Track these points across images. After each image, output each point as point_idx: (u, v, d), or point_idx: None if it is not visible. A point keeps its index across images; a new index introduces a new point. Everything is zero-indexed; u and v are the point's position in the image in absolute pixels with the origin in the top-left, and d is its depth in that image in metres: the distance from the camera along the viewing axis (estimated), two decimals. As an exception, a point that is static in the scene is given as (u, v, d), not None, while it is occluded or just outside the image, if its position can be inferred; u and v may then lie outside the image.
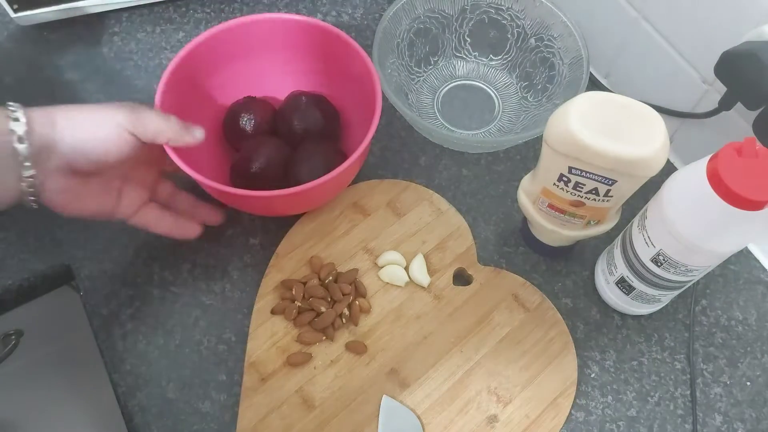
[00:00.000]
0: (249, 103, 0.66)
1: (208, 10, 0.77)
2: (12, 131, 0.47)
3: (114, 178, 0.55)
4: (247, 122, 0.65)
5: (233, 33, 0.63)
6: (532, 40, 0.70)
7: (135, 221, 0.57)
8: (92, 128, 0.50)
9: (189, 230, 0.60)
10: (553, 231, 0.59)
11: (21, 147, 0.47)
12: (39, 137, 0.48)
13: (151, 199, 0.59)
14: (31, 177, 0.48)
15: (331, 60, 0.65)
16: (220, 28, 0.62)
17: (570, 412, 0.57)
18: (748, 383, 0.60)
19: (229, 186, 0.55)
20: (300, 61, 0.67)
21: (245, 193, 0.55)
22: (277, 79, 0.68)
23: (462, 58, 0.74)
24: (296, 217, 0.64)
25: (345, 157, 0.57)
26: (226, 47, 0.63)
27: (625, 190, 0.51)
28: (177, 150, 0.55)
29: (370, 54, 0.62)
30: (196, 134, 0.56)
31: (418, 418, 0.56)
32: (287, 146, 0.64)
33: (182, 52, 0.60)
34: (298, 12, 0.78)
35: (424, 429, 0.56)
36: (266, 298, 0.60)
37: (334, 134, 0.67)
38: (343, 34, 0.62)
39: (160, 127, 0.53)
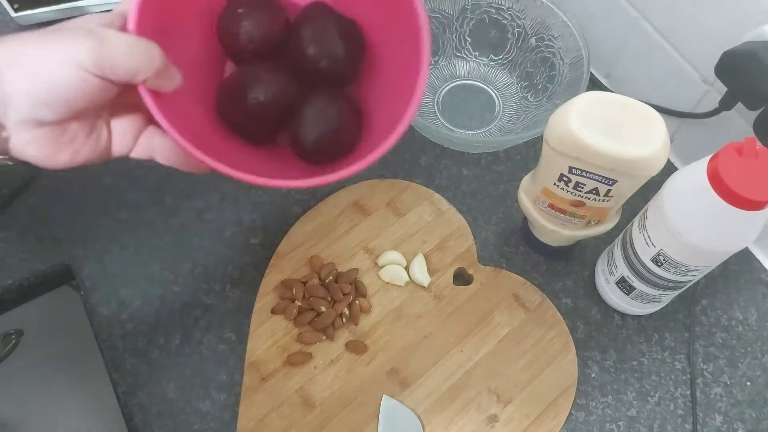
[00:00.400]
0: (255, 2, 0.48)
1: None
2: None
3: (97, 115, 0.43)
4: (249, 30, 0.47)
5: None
6: (533, 40, 0.70)
7: (136, 154, 0.45)
8: (46, 75, 0.37)
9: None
10: (553, 231, 0.59)
11: None
12: None
13: (150, 123, 0.45)
14: None
15: None
16: None
17: (570, 412, 0.57)
18: (749, 383, 0.60)
19: (211, 115, 0.45)
20: None
21: (245, 177, 0.40)
22: None
23: (462, 57, 0.74)
24: (296, 217, 0.64)
25: (361, 126, 0.46)
26: None
27: (625, 190, 0.51)
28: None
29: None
30: (176, 78, 0.42)
31: (418, 417, 0.56)
32: (296, 85, 0.48)
33: None
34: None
35: (424, 429, 0.56)
36: (266, 297, 0.60)
37: (350, 81, 0.50)
38: None
39: (135, 64, 0.39)
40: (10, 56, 0.38)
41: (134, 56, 0.39)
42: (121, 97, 0.42)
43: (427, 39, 0.42)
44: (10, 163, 0.41)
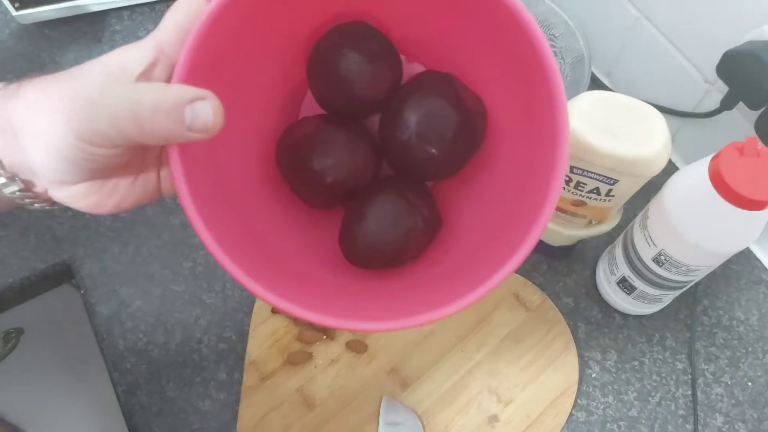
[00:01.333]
0: (364, 36, 0.38)
1: (210, 9, 0.77)
2: None
3: (142, 166, 0.37)
4: (350, 73, 0.37)
5: None
6: (534, 40, 0.70)
7: None
8: (55, 152, 0.32)
9: None
10: (554, 230, 0.58)
11: None
12: (8, 164, 0.34)
13: None
14: (20, 191, 0.35)
15: (491, 38, 0.36)
16: None
17: (571, 412, 0.57)
18: (750, 383, 0.59)
19: (270, 154, 0.37)
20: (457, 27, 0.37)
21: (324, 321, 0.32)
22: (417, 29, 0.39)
23: (463, 57, 0.74)
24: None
25: (432, 235, 0.38)
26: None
27: (626, 189, 0.51)
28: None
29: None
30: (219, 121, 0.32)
31: (419, 417, 0.56)
32: (379, 161, 0.41)
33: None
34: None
35: (424, 428, 0.55)
36: (267, 296, 0.60)
37: (445, 177, 0.41)
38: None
39: (162, 132, 0.31)
40: (27, 123, 0.33)
41: (160, 123, 0.31)
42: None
43: (566, 145, 0.32)
44: (47, 207, 0.37)
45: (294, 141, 0.39)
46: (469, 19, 0.35)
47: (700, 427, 0.57)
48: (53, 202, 0.36)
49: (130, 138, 0.31)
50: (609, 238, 0.61)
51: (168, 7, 0.34)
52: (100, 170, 0.34)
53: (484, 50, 0.36)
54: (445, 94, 0.37)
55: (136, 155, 0.36)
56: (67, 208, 0.39)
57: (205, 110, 0.31)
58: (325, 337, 0.58)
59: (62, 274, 0.63)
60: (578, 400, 0.58)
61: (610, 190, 0.51)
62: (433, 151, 0.37)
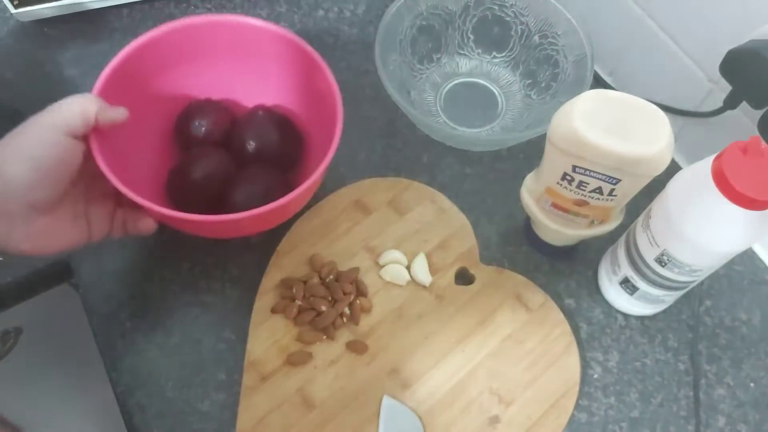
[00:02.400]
0: (206, 107, 0.62)
1: (209, 6, 0.77)
2: None
3: (77, 202, 0.52)
4: (198, 127, 0.60)
5: (197, 31, 0.59)
6: (536, 38, 0.69)
7: (115, 234, 0.55)
8: (33, 146, 0.46)
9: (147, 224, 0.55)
10: (556, 230, 0.58)
11: None
12: None
13: (119, 205, 0.55)
14: None
15: (302, 74, 0.61)
16: (181, 24, 0.58)
17: (572, 413, 0.57)
18: (752, 384, 0.59)
19: (162, 195, 0.54)
20: (269, 67, 0.62)
21: (163, 212, 0.51)
22: (244, 85, 0.64)
23: (465, 55, 0.73)
24: (297, 215, 0.64)
25: (288, 190, 0.52)
26: (187, 44, 0.60)
27: (629, 189, 0.51)
28: (108, 154, 0.51)
29: (372, 53, 0.60)
30: (120, 110, 0.52)
31: (419, 418, 0.56)
32: (232, 163, 0.60)
33: (133, 46, 0.56)
34: (299, 8, 0.77)
35: (425, 429, 0.55)
36: (266, 296, 0.60)
37: (291, 160, 0.63)
38: (305, 45, 0.58)
39: (83, 105, 0.49)
40: (11, 151, 0.46)
41: (78, 99, 0.50)
42: (94, 185, 0.52)
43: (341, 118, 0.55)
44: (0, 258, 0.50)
45: (176, 167, 0.61)
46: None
47: (702, 428, 0.57)
48: (3, 251, 0.47)
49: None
50: (611, 238, 0.61)
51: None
52: (63, 176, 0.48)
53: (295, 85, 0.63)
54: (271, 121, 0.62)
55: (78, 179, 0.50)
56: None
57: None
58: (325, 337, 0.58)
59: (61, 274, 0.63)
60: (580, 401, 0.58)
61: (612, 190, 0.51)
62: (257, 147, 0.61)
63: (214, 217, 0.51)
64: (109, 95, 0.53)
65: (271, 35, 0.59)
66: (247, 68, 0.63)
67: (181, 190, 0.59)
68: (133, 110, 0.54)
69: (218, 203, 0.58)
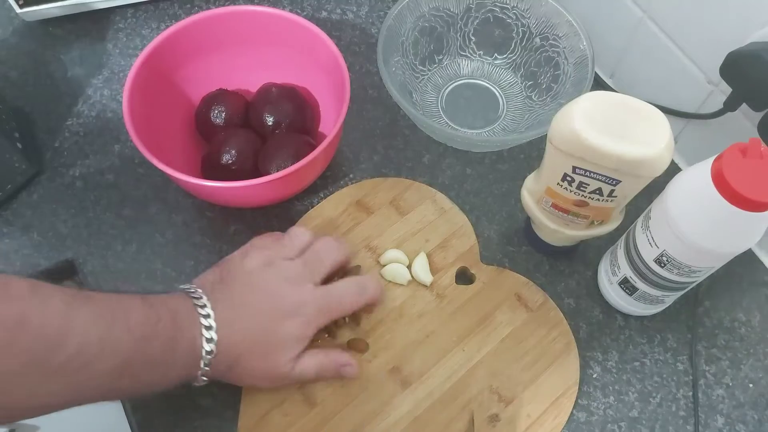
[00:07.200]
0: (220, 96, 0.66)
1: (212, 6, 0.77)
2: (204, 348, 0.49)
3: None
4: (218, 114, 0.65)
5: (203, 25, 0.63)
6: (537, 39, 0.70)
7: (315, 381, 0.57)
8: (264, 375, 0.53)
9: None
10: (556, 231, 0.58)
11: (205, 351, 0.49)
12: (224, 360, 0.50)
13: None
14: (207, 368, 0.49)
15: (305, 52, 0.65)
16: (188, 21, 0.63)
17: (572, 413, 0.57)
18: (751, 385, 0.59)
19: (200, 178, 0.56)
20: (273, 53, 0.67)
21: (212, 185, 0.56)
22: (250, 71, 0.68)
23: (467, 56, 0.74)
24: (299, 215, 0.64)
25: (314, 148, 0.57)
26: (197, 40, 0.64)
27: (629, 190, 0.51)
28: (147, 144, 0.56)
29: (374, 51, 0.61)
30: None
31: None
32: (258, 138, 0.65)
33: (150, 47, 0.61)
34: (302, 9, 0.78)
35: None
36: (269, 295, 0.60)
37: (306, 126, 0.67)
38: (310, 24, 0.63)
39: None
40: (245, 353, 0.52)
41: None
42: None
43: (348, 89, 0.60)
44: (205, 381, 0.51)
45: (208, 153, 0.65)
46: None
47: (700, 428, 0.57)
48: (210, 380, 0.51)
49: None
50: (611, 238, 0.61)
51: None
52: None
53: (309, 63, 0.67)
54: (281, 93, 0.67)
55: None
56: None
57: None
58: (326, 335, 0.58)
59: (65, 272, 0.63)
60: (579, 401, 0.58)
61: (612, 191, 0.51)
62: (275, 118, 0.66)
63: (266, 177, 0.56)
64: (136, 92, 0.59)
65: (278, 19, 0.64)
66: (252, 53, 0.67)
67: (216, 173, 0.62)
68: (160, 111, 0.60)
69: (254, 177, 0.59)
